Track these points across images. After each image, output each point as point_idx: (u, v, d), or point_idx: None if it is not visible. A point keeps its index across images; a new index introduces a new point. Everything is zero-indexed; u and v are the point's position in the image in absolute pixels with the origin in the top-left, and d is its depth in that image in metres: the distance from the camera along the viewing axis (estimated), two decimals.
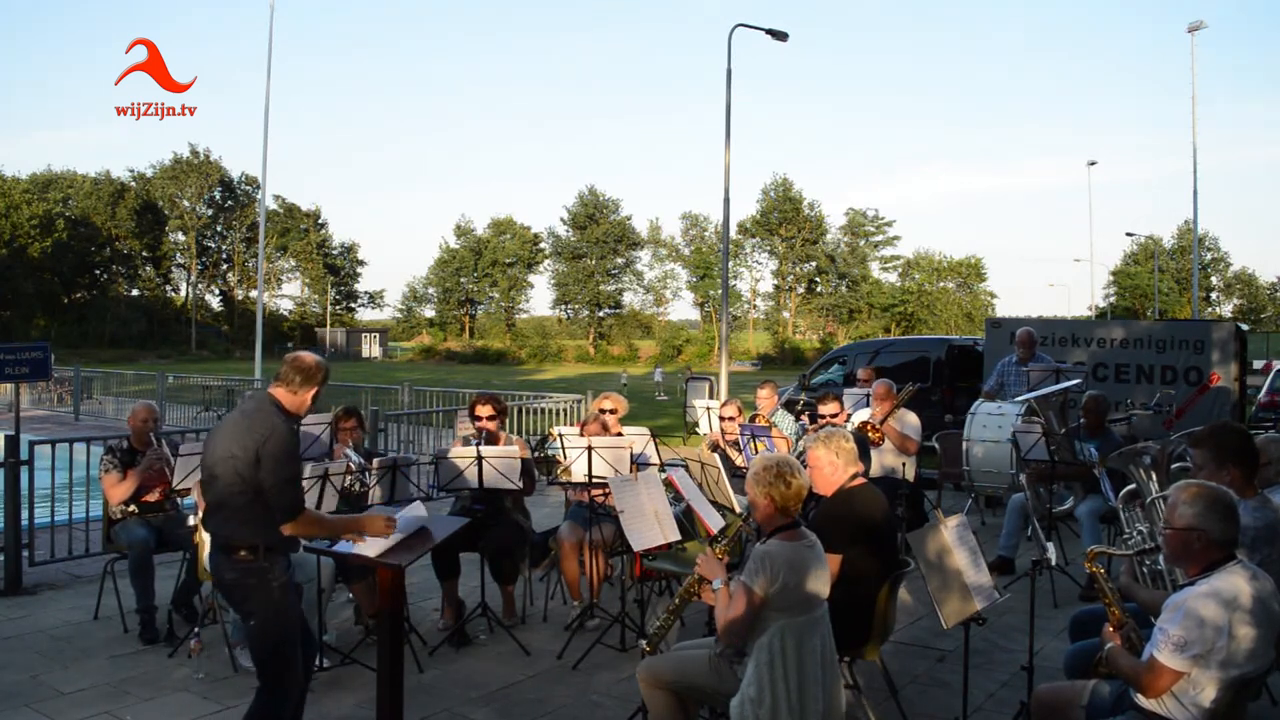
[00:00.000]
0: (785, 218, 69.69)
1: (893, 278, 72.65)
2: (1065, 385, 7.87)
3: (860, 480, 4.20)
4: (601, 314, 73.47)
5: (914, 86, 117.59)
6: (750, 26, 17.64)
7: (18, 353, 6.95)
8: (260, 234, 29.68)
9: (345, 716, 4.51)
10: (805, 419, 7.76)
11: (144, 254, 70.05)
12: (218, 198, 72.82)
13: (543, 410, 13.32)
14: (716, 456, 5.92)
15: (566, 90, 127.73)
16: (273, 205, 70.71)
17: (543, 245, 76.05)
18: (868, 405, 7.89)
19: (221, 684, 4.84)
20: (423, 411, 14.40)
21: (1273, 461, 4.17)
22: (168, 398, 20.32)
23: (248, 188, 71.47)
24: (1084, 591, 6.40)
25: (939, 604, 3.74)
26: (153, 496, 5.87)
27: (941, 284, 70.67)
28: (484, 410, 6.12)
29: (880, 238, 72.74)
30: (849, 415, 7.68)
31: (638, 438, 6.13)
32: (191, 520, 5.35)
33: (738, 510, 5.18)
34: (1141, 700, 2.99)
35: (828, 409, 7.00)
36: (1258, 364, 25.86)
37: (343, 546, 3.95)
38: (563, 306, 75.54)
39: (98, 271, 68.75)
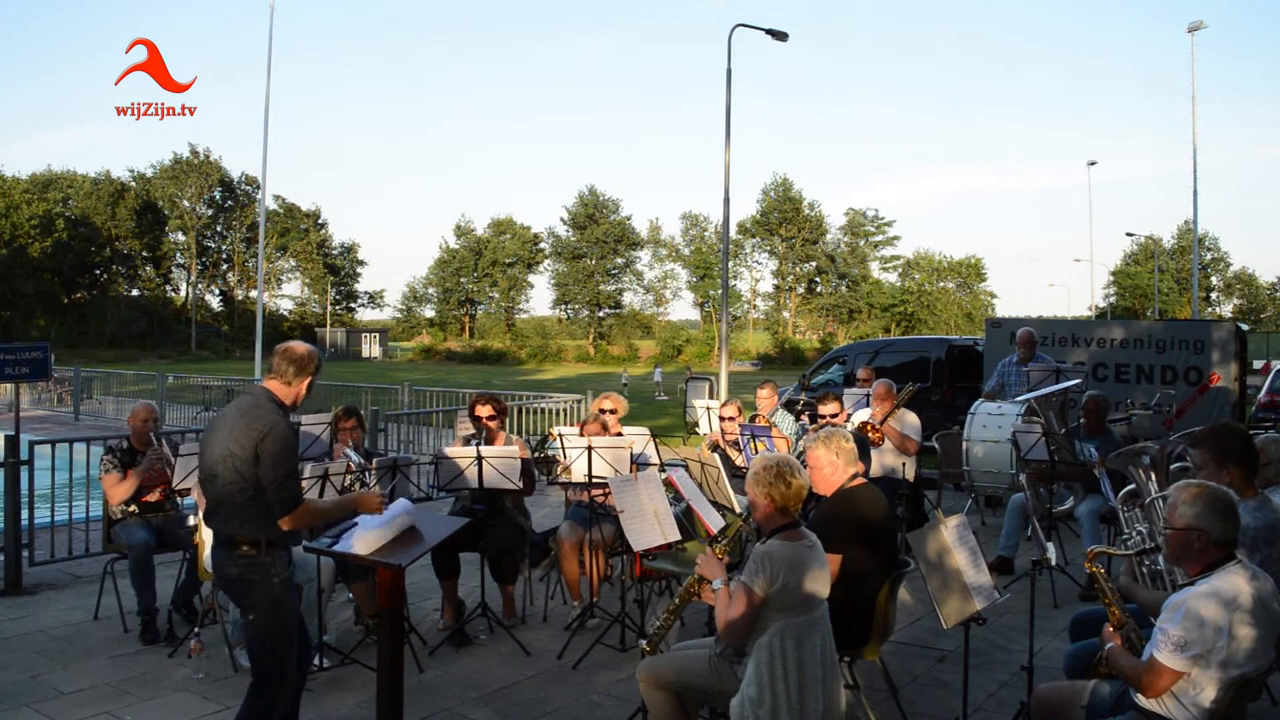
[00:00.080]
0: (785, 218, 69.72)
1: (893, 278, 72.80)
2: (1065, 385, 7.88)
3: (860, 480, 4.20)
4: (601, 314, 73.46)
5: (914, 86, 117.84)
6: (750, 26, 17.67)
7: (18, 353, 6.96)
8: (260, 234, 29.63)
9: (345, 716, 4.51)
10: (805, 419, 7.75)
11: (144, 254, 69.98)
12: (218, 198, 72.82)
13: (543, 410, 13.33)
14: (716, 456, 5.92)
15: (567, 90, 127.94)
16: (273, 205, 70.81)
17: (543, 245, 76.07)
18: (868, 405, 7.89)
19: (221, 684, 4.84)
20: (423, 412, 14.41)
21: (1273, 461, 4.17)
22: (168, 398, 20.36)
23: (248, 188, 71.43)
24: (1084, 591, 6.40)
25: (939, 604, 3.74)
26: (153, 496, 5.87)
27: (941, 284, 70.69)
28: (484, 410, 6.14)
29: (880, 238, 72.87)
30: (849, 415, 7.68)
31: (638, 438, 6.14)
32: (192, 520, 5.36)
33: (738, 510, 5.17)
34: (1141, 700, 2.99)
35: (828, 409, 7.00)
36: (1257, 364, 25.84)
37: (343, 545, 3.95)
38: (563, 306, 75.55)
39: (98, 271, 68.75)
